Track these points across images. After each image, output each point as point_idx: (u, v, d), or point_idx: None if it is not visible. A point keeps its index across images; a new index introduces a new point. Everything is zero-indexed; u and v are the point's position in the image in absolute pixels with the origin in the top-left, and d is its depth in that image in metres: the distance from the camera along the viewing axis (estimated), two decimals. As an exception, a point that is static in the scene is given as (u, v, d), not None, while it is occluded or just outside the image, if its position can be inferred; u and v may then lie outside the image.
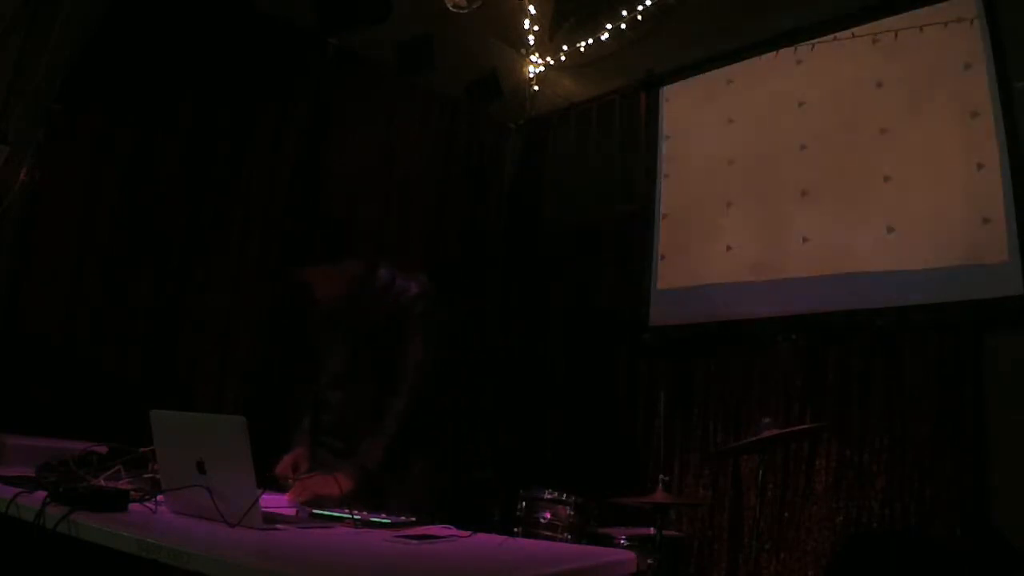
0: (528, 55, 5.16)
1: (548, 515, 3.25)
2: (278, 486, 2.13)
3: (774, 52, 4.25)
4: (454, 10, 4.26)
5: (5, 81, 2.83)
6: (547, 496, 3.29)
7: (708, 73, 4.59)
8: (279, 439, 2.41)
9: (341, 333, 2.38)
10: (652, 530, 3.09)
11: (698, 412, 4.14)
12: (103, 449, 2.11)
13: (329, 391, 2.40)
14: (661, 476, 3.21)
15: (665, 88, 4.80)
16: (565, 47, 5.02)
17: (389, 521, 1.78)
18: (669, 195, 4.62)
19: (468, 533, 1.69)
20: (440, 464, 2.38)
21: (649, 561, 3.01)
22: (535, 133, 5.40)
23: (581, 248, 4.92)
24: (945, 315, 3.38)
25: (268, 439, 2.33)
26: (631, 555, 1.59)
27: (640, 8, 4.61)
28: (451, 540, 1.62)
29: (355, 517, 1.74)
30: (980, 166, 3.38)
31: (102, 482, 1.77)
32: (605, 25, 4.77)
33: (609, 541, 3.16)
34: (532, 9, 4.96)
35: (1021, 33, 3.35)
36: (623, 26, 4.71)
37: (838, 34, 3.99)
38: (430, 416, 2.33)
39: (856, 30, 3.92)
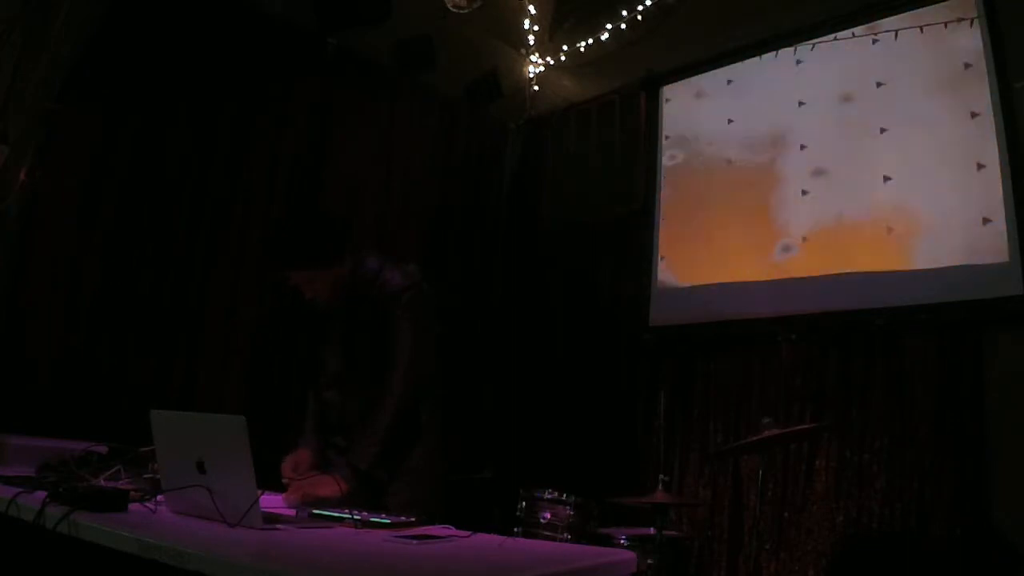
0: (528, 55, 5.16)
1: (548, 515, 3.25)
2: (281, 487, 2.13)
3: (774, 52, 4.25)
4: (454, 10, 4.26)
5: (5, 81, 2.83)
6: (547, 496, 3.29)
7: (708, 73, 4.59)
8: (279, 439, 2.42)
9: (334, 331, 2.38)
10: (652, 530, 3.09)
11: (698, 412, 4.14)
12: (103, 449, 2.12)
13: (327, 390, 2.40)
14: (661, 476, 3.20)
15: (665, 88, 4.80)
16: (565, 47, 5.01)
17: (389, 521, 1.78)
18: (669, 195, 4.62)
19: (468, 533, 1.69)
20: (441, 455, 2.37)
21: (649, 561, 3.01)
22: (535, 133, 5.40)
23: (581, 248, 4.92)
24: (945, 315, 3.38)
25: (268, 439, 2.34)
26: (631, 555, 1.59)
27: (640, 8, 4.61)
28: (451, 540, 1.62)
29: (355, 517, 1.74)
30: (980, 166, 3.38)
31: (102, 482, 1.77)
32: (605, 25, 4.77)
33: (609, 541, 3.15)
34: (532, 9, 4.96)
35: (1021, 33, 3.35)
36: (623, 26, 4.71)
37: (838, 34, 3.99)
38: (428, 407, 2.32)
39: (856, 30, 3.92)
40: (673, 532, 3.37)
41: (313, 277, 2.23)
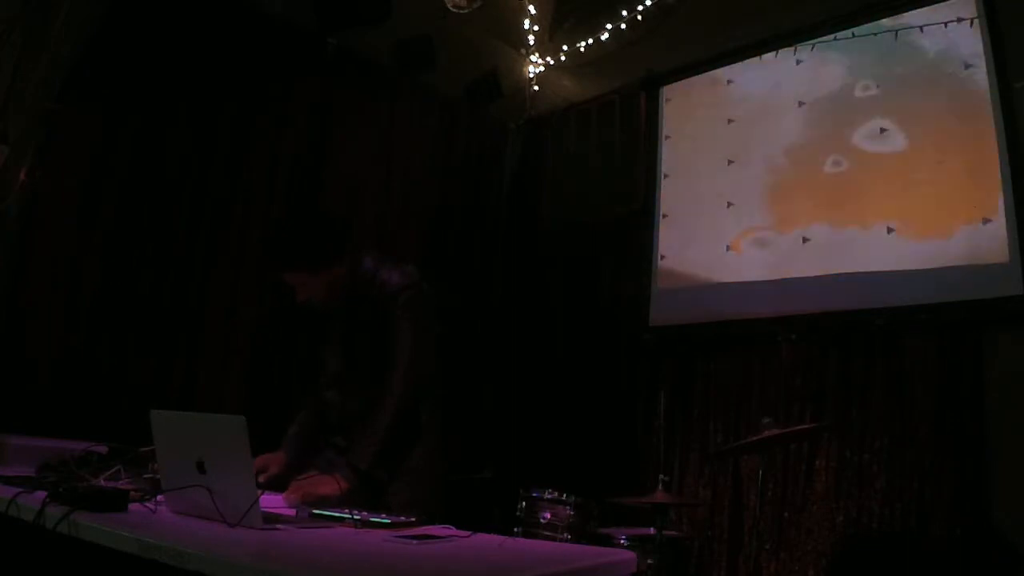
0: (528, 55, 5.16)
1: (548, 515, 3.25)
2: (281, 487, 2.13)
3: (774, 52, 4.25)
4: (454, 10, 4.26)
5: (5, 81, 2.83)
6: (547, 496, 3.29)
7: (708, 73, 4.59)
8: (279, 439, 2.42)
9: (333, 331, 2.38)
10: (652, 530, 3.09)
11: (698, 412, 4.14)
12: (103, 449, 2.12)
13: (327, 390, 2.40)
14: (661, 476, 3.21)
15: (665, 88, 4.80)
16: (565, 47, 5.01)
17: (389, 521, 1.78)
18: (669, 195, 4.62)
19: (468, 533, 1.69)
20: (441, 455, 2.37)
21: (649, 561, 3.01)
22: (535, 133, 5.40)
23: (581, 248, 4.92)
24: (945, 315, 3.38)
25: (268, 439, 2.34)
26: (631, 555, 1.59)
27: (640, 8, 4.61)
28: (451, 540, 1.62)
29: (355, 517, 1.74)
30: (980, 166, 3.38)
31: (102, 482, 1.77)
32: (605, 25, 4.77)
33: (609, 541, 3.16)
34: (532, 9, 4.96)
35: (1021, 33, 3.35)
36: (623, 26, 4.71)
37: (838, 34, 3.99)
38: (428, 407, 2.32)
39: (856, 30, 3.92)
40: (673, 532, 3.37)
41: (308, 279, 2.22)
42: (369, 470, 2.12)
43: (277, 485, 2.15)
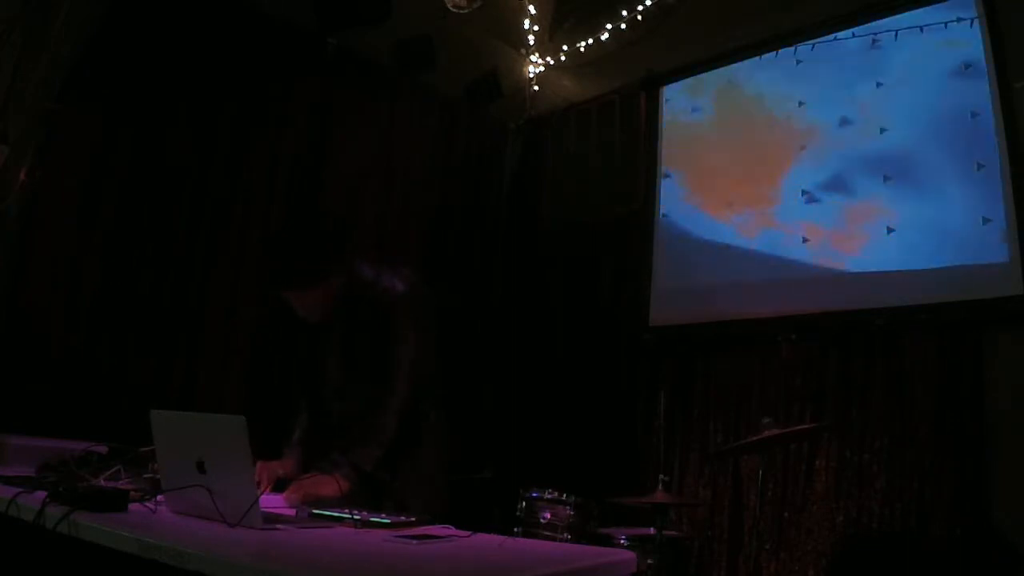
0: (528, 55, 5.16)
1: (548, 515, 3.25)
2: (281, 487, 2.13)
3: (774, 52, 4.25)
4: (454, 10, 4.26)
5: (5, 81, 2.83)
6: (547, 496, 3.29)
7: (708, 73, 4.59)
8: (279, 439, 2.42)
9: (334, 333, 2.38)
10: (652, 530, 3.09)
11: (698, 412, 4.14)
12: (103, 449, 2.12)
13: (328, 393, 2.40)
14: (661, 476, 3.21)
15: (665, 88, 4.80)
16: (565, 47, 5.01)
17: (389, 521, 1.78)
18: (669, 195, 4.62)
19: (468, 533, 1.69)
20: (443, 455, 2.37)
21: (649, 561, 3.01)
22: (535, 133, 5.40)
23: (581, 248, 4.92)
24: (945, 315, 3.38)
25: (268, 439, 2.34)
26: (631, 555, 1.59)
27: (640, 8, 4.61)
28: (451, 540, 1.62)
29: (355, 517, 1.74)
30: (980, 166, 3.38)
31: (102, 482, 1.77)
32: (605, 25, 4.77)
33: (609, 541, 3.16)
34: (532, 9, 4.96)
35: (1021, 33, 3.34)
36: (623, 26, 4.71)
37: (838, 34, 3.99)
38: (430, 407, 2.32)
39: (856, 30, 3.92)
40: (673, 532, 3.37)
41: (307, 292, 2.22)
42: (369, 472, 2.12)
43: (282, 487, 2.15)
